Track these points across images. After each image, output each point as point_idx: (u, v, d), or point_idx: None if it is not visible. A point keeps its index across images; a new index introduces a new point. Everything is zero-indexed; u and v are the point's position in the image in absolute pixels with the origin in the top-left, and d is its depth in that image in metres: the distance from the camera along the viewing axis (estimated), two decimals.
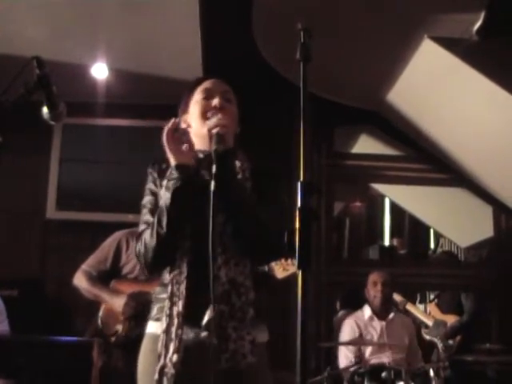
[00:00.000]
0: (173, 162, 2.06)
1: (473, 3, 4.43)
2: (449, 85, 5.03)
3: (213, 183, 1.90)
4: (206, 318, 1.94)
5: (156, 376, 1.94)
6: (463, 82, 4.86)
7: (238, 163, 2.14)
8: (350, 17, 4.54)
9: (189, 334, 1.99)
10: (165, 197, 2.03)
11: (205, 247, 1.90)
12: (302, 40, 1.80)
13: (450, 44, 4.64)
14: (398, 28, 4.65)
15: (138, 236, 2.12)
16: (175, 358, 1.94)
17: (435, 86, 5.18)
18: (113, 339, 3.71)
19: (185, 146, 2.08)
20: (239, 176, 2.10)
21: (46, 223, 5.78)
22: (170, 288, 2.03)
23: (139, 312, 3.60)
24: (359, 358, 4.72)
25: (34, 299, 5.42)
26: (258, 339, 2.05)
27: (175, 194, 2.00)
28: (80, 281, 3.92)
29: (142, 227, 2.14)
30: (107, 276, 3.89)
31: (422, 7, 4.43)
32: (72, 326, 5.27)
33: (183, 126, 2.22)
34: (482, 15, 4.48)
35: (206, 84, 2.26)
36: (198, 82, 2.28)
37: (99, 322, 3.82)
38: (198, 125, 2.18)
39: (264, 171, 2.18)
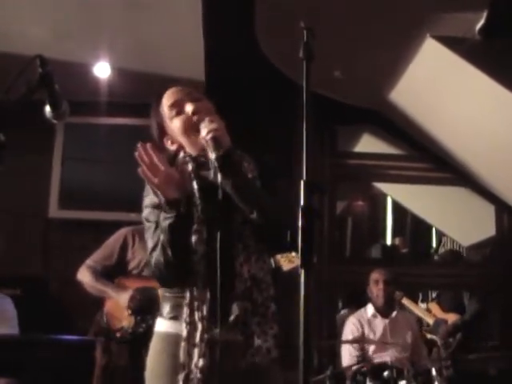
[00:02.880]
0: (162, 198, 2.00)
1: (475, 2, 4.42)
2: (451, 84, 5.02)
3: (220, 193, 1.93)
4: (231, 316, 1.95)
5: None
6: (466, 82, 4.85)
7: (245, 164, 2.12)
8: (352, 16, 4.53)
9: (212, 334, 1.97)
10: (163, 230, 1.99)
11: (221, 249, 1.93)
12: (305, 39, 1.80)
13: (453, 43, 4.63)
14: (400, 27, 4.64)
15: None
16: (201, 362, 1.93)
17: (437, 86, 5.17)
18: (118, 335, 3.71)
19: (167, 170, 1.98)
20: (249, 175, 2.09)
21: (48, 222, 5.78)
22: (188, 294, 2.01)
23: (145, 307, 3.61)
24: (362, 356, 4.71)
25: (37, 298, 5.43)
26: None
27: (171, 230, 1.97)
28: (84, 276, 3.92)
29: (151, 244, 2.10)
30: (112, 271, 3.89)
31: (425, 6, 4.42)
32: (75, 325, 5.27)
33: (173, 148, 2.20)
34: (485, 14, 4.47)
35: (168, 99, 2.19)
36: (159, 102, 2.21)
37: (104, 318, 3.82)
38: (188, 139, 2.14)
39: (267, 170, 2.17)
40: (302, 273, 1.64)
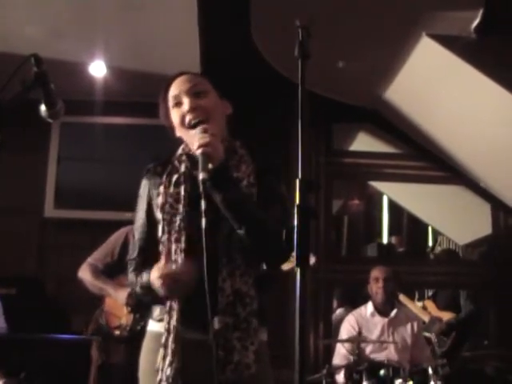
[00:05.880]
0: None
1: (471, 1, 4.43)
2: (447, 82, 5.03)
3: (203, 221, 1.87)
4: (211, 330, 1.92)
5: None
6: (461, 80, 4.86)
7: (243, 167, 2.08)
8: (347, 14, 4.53)
9: (191, 343, 1.97)
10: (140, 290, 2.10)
11: (198, 257, 1.89)
12: (301, 37, 1.79)
13: (449, 42, 4.63)
14: (396, 25, 4.65)
15: (132, 267, 2.17)
16: (169, 371, 1.94)
17: (433, 84, 5.17)
18: (117, 332, 3.71)
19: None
20: (244, 182, 2.04)
21: (43, 221, 5.78)
22: (168, 302, 2.01)
23: (143, 304, 3.61)
24: (357, 355, 4.67)
25: (33, 297, 5.42)
26: (261, 336, 2.05)
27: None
28: (85, 273, 3.94)
29: (133, 254, 2.17)
30: (114, 269, 3.89)
31: (421, 5, 4.43)
32: (70, 324, 5.27)
33: (178, 135, 2.17)
34: (481, 13, 4.48)
35: (172, 89, 2.14)
36: (168, 88, 2.17)
37: (103, 316, 3.83)
38: (183, 134, 2.13)
39: (264, 169, 2.12)
40: (298, 272, 1.64)
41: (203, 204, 1.88)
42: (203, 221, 1.87)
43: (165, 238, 2.03)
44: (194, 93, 2.10)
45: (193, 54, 4.97)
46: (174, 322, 1.97)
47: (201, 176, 1.87)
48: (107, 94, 5.62)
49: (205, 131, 1.98)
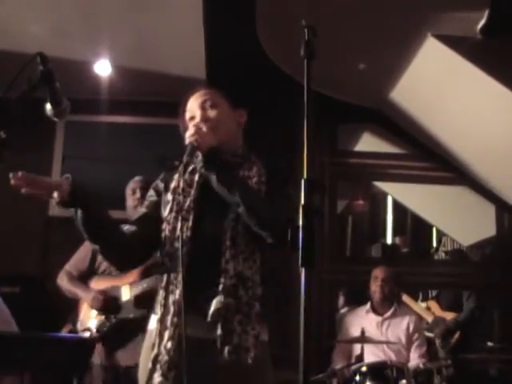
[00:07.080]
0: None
1: (477, 1, 4.42)
2: (452, 83, 5.02)
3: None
4: (212, 309, 1.96)
5: (149, 365, 1.99)
6: (466, 81, 4.85)
7: (255, 169, 2.18)
8: (353, 15, 4.53)
9: (190, 323, 1.98)
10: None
11: (203, 238, 2.03)
12: (307, 37, 1.79)
13: (454, 42, 4.62)
14: (401, 26, 4.64)
15: None
16: (169, 344, 1.98)
17: (438, 85, 5.17)
18: (86, 334, 3.79)
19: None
20: (255, 179, 2.14)
21: (48, 220, 5.77)
22: (165, 277, 2.08)
23: (108, 306, 3.70)
24: (359, 355, 4.64)
25: (36, 296, 5.42)
26: (261, 336, 2.06)
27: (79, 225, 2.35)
28: (61, 280, 4.05)
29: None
30: (86, 275, 3.97)
31: (426, 5, 4.42)
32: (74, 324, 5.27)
33: None
34: (486, 13, 4.47)
35: (188, 104, 2.32)
36: (184, 106, 2.33)
37: (76, 318, 3.90)
38: None
39: (273, 171, 2.22)
40: (303, 271, 1.64)
41: (181, 183, 2.15)
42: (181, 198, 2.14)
43: (171, 216, 2.14)
44: (204, 106, 2.26)
45: (198, 54, 4.97)
46: (173, 298, 2.03)
47: (184, 160, 2.07)
48: (112, 93, 5.62)
49: (194, 126, 2.14)
